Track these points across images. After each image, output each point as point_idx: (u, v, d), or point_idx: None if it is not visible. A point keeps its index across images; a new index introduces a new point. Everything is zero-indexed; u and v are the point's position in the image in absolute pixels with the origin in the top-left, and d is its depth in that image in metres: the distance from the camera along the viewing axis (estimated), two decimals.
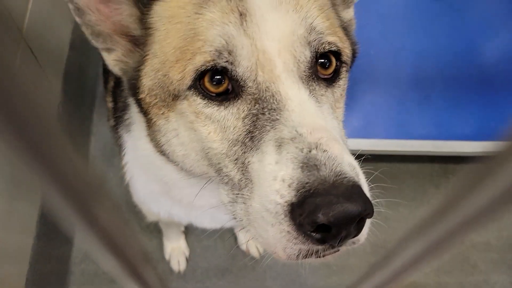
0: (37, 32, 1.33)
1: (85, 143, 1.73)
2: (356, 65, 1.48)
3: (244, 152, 0.61)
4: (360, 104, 1.64)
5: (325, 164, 0.54)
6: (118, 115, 0.98)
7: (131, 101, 0.86)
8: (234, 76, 0.63)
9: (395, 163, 1.81)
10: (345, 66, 0.71)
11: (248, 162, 0.61)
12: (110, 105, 1.08)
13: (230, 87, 0.64)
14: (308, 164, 0.54)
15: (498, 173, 0.22)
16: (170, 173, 0.81)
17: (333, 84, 0.69)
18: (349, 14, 0.85)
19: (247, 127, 0.62)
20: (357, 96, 1.65)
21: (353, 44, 0.80)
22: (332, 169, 0.54)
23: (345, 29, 0.79)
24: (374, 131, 1.60)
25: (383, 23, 1.80)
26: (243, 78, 0.63)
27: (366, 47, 1.72)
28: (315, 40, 0.65)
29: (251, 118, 0.62)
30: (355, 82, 1.67)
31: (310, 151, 0.55)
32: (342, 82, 0.71)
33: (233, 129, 0.63)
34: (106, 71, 1.12)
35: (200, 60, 0.62)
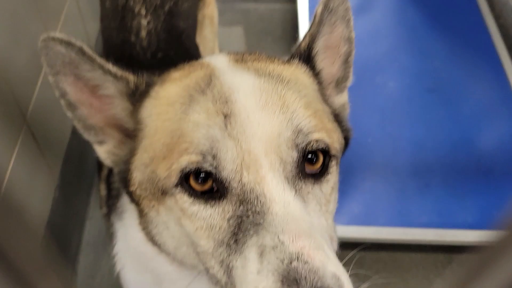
0: (40, 117, 1.36)
1: (80, 228, 1.69)
2: (354, 152, 1.51)
3: (229, 255, 0.61)
4: (360, 191, 1.62)
5: (305, 278, 0.53)
6: (111, 203, 0.97)
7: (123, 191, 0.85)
8: (218, 178, 0.63)
9: (398, 252, 1.75)
10: (334, 160, 0.71)
11: (232, 266, 0.60)
12: (103, 192, 1.07)
13: (215, 186, 0.64)
14: (288, 278, 0.53)
15: (496, 264, 0.21)
16: (162, 264, 0.79)
17: (321, 179, 0.68)
18: (342, 98, 0.87)
19: (232, 228, 0.61)
20: (357, 183, 1.64)
21: (345, 131, 0.81)
22: (312, 284, 0.52)
23: (337, 115, 0.80)
24: (375, 218, 1.57)
25: (380, 113, 1.85)
26: (228, 180, 0.62)
27: (364, 135, 1.76)
28: (302, 142, 0.65)
29: (236, 219, 0.61)
30: (354, 169, 1.68)
31: (291, 263, 0.54)
32: (331, 177, 0.70)
33: (219, 229, 0.63)
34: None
35: (185, 162, 0.63)
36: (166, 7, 1.27)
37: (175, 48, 1.27)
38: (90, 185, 1.80)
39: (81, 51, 0.67)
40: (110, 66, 0.71)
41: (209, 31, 1.53)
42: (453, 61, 2.03)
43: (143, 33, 1.23)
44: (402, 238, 1.54)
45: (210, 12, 1.53)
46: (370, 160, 1.71)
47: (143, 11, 1.25)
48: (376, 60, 2.03)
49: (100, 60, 0.70)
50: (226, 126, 0.62)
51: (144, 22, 1.24)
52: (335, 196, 0.72)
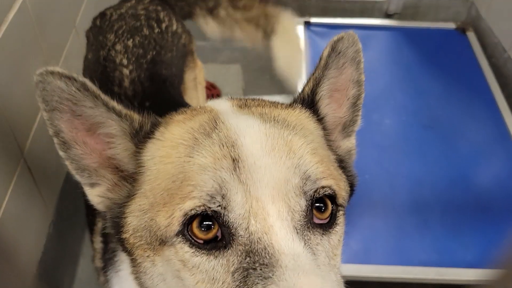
0: (38, 152, 1.36)
1: (73, 264, 1.65)
2: None
3: None
4: (358, 228, 1.61)
5: None
6: (107, 257, 0.91)
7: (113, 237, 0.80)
8: (225, 222, 0.59)
9: None
10: (341, 210, 0.68)
11: None
12: (99, 245, 1.00)
13: (219, 234, 0.60)
14: None
15: None
16: None
17: (330, 230, 0.65)
18: (349, 143, 0.83)
19: (237, 283, 0.57)
20: (355, 220, 1.63)
21: (351, 177, 0.77)
22: None
23: (342, 161, 0.77)
24: (374, 256, 1.54)
25: (377, 150, 1.86)
26: (235, 226, 0.59)
27: (361, 172, 1.76)
28: (311, 190, 0.62)
29: (242, 273, 0.57)
30: (352, 206, 1.66)
31: None
32: (339, 228, 0.67)
33: (222, 283, 0.59)
34: (91, 212, 1.07)
35: (190, 205, 0.59)
36: (149, 56, 1.27)
37: (160, 95, 1.24)
38: (85, 221, 1.77)
39: (83, 87, 0.64)
40: (114, 104, 0.68)
41: (198, 93, 1.54)
42: (448, 99, 2.07)
43: (127, 82, 1.22)
44: (402, 277, 1.51)
45: (199, 75, 1.55)
46: (368, 197, 1.70)
47: (124, 61, 1.24)
48: (372, 98, 2.06)
49: (104, 97, 0.67)
50: (235, 169, 0.60)
51: (126, 71, 1.23)
52: (340, 249, 0.69)
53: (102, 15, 1.35)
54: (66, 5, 1.59)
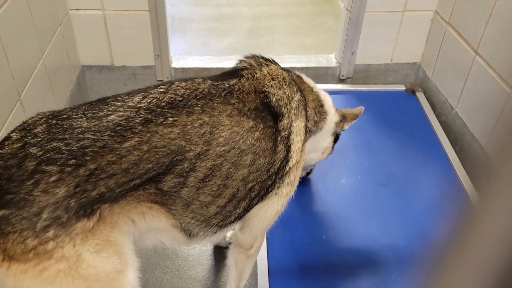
0: None
1: None
2: (309, 251, 1.46)
3: None
4: None
5: None
6: None
7: None
8: None
9: None
10: None
11: None
12: None
13: None
14: None
15: None
16: None
17: None
18: None
19: None
20: (312, 283, 1.56)
21: None
22: None
23: None
24: None
25: (334, 209, 1.83)
26: None
27: (318, 233, 1.72)
28: None
29: None
30: (309, 268, 1.60)
31: None
32: None
33: None
34: None
35: None
36: None
37: None
38: None
39: None
40: None
41: None
42: (401, 157, 2.10)
43: None
44: None
45: None
46: (326, 258, 1.65)
47: None
48: (328, 157, 2.08)
49: None
50: None
51: None
52: None
53: None
54: (8, 77, 1.59)
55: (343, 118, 1.57)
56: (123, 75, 2.49)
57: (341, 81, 2.65)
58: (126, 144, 0.99)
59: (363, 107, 1.65)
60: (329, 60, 2.65)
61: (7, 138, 1.00)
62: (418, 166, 2.05)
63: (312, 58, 2.67)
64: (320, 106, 1.43)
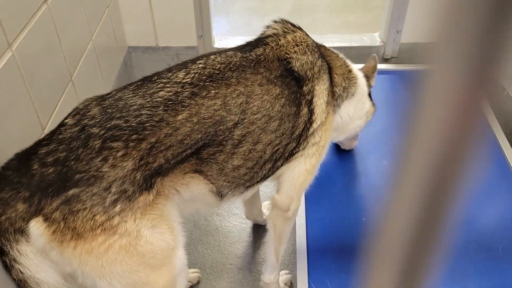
0: None
1: None
2: (348, 233, 1.46)
3: None
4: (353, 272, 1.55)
5: None
6: None
7: None
8: None
9: None
10: None
11: None
12: None
13: None
14: None
15: None
16: None
17: None
18: None
19: None
20: (350, 265, 1.57)
21: None
22: None
23: None
24: None
25: (375, 192, 1.82)
26: None
27: (359, 214, 1.72)
28: None
29: None
30: (347, 249, 1.62)
31: None
32: None
33: None
34: None
35: None
36: None
37: None
38: None
39: None
40: None
41: None
42: None
43: None
44: None
45: None
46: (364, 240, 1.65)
47: None
48: (370, 140, 2.05)
49: None
50: None
51: None
52: None
53: None
54: (61, 58, 1.67)
55: (367, 77, 1.60)
56: (167, 56, 2.54)
57: (385, 60, 2.59)
58: (179, 117, 1.06)
59: (374, 55, 1.70)
60: (373, 39, 2.58)
61: (62, 124, 1.06)
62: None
63: (356, 37, 2.61)
64: (348, 72, 1.47)
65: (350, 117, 1.50)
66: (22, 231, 0.99)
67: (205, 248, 1.77)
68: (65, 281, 1.05)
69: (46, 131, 1.49)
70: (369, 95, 1.64)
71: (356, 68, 1.55)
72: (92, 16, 1.96)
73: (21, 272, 1.02)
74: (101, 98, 1.09)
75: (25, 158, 1.03)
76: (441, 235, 0.29)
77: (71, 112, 1.09)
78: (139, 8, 2.37)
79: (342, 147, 1.96)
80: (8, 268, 1.04)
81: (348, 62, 1.51)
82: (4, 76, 1.26)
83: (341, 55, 1.50)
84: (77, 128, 1.02)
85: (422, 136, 0.27)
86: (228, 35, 2.69)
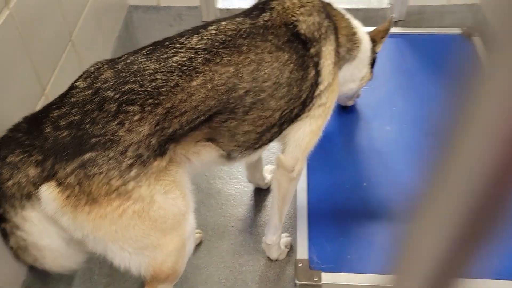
0: None
1: None
2: (349, 197, 1.47)
3: None
4: (355, 237, 1.57)
5: None
6: None
7: None
8: None
9: None
10: None
11: None
12: None
13: None
14: None
15: None
16: None
17: None
18: None
19: None
20: (351, 228, 1.59)
21: None
22: None
23: None
24: (370, 265, 1.50)
25: (377, 157, 1.82)
26: None
27: (359, 180, 1.73)
28: None
29: None
30: (349, 213, 1.63)
31: None
32: None
33: None
34: None
35: None
36: None
37: None
38: None
39: None
40: None
41: None
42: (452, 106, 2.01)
43: None
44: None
45: None
46: (366, 205, 1.66)
47: None
48: (373, 105, 2.03)
49: None
50: None
51: None
52: None
53: None
54: (60, 18, 1.63)
55: (374, 41, 1.57)
56: (169, 16, 2.48)
57: (393, 23, 2.52)
58: (194, 83, 1.05)
59: (392, 16, 1.66)
60: (380, 0, 2.51)
61: (73, 87, 1.04)
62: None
63: None
64: (352, 34, 1.44)
65: (344, 79, 1.48)
66: (29, 196, 0.98)
67: (207, 210, 1.79)
68: (68, 246, 1.06)
69: (47, 92, 1.47)
70: (373, 61, 1.60)
71: (363, 31, 1.51)
72: None
73: (23, 239, 1.02)
74: (113, 62, 1.07)
75: (35, 121, 1.01)
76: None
77: (82, 75, 1.06)
78: None
79: (337, 101, 1.92)
80: (7, 236, 1.03)
81: (354, 23, 1.47)
82: (2, 35, 1.23)
83: (347, 16, 1.47)
84: (90, 91, 1.00)
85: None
86: None
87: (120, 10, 2.32)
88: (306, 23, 1.24)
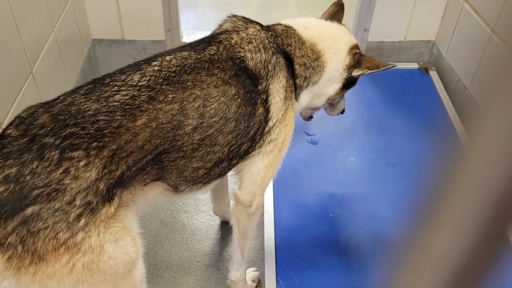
0: None
1: None
2: (316, 229, 1.46)
3: None
4: (322, 268, 1.56)
5: None
6: None
7: None
8: None
9: None
10: None
11: None
12: None
13: None
14: None
15: None
16: None
17: None
18: None
19: None
20: (318, 260, 1.58)
21: None
22: None
23: None
24: None
25: (342, 188, 1.84)
26: None
27: (325, 211, 1.74)
28: None
29: None
30: (316, 245, 1.62)
31: None
32: None
33: None
34: None
35: None
36: None
37: None
38: None
39: None
40: None
41: None
42: (412, 136, 2.08)
43: None
44: None
45: None
46: (332, 236, 1.67)
47: None
48: (337, 137, 2.07)
49: None
50: None
51: None
52: None
53: None
54: (20, 50, 1.59)
55: (357, 64, 1.40)
56: (133, 49, 2.48)
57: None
58: (138, 122, 1.00)
59: (396, 64, 1.47)
60: None
61: (4, 136, 0.95)
62: (428, 146, 2.03)
63: None
64: (314, 60, 1.33)
65: (306, 103, 1.40)
66: None
67: (172, 246, 1.75)
68: None
69: (4, 127, 1.42)
70: (351, 82, 1.44)
71: (342, 46, 1.37)
72: (54, 6, 1.89)
73: None
74: (49, 105, 1.00)
75: None
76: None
77: (13, 122, 0.97)
78: None
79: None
80: None
81: (320, 47, 1.34)
82: None
83: (315, 38, 1.34)
84: (25, 139, 0.92)
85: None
86: (197, 29, 2.65)
87: (83, 43, 2.30)
88: (253, 60, 1.20)
